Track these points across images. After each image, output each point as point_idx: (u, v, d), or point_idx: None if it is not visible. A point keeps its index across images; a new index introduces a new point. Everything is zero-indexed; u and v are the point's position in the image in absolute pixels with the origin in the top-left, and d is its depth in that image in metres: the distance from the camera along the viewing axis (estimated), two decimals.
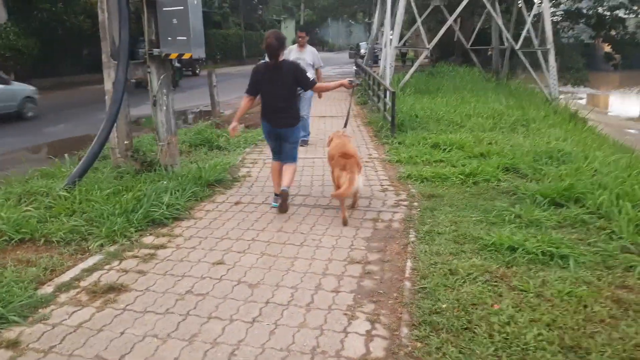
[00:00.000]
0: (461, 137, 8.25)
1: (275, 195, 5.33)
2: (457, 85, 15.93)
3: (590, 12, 26.72)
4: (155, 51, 6.01)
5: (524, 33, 14.81)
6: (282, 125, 5.08)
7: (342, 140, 5.29)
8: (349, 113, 6.06)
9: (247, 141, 8.73)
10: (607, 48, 30.50)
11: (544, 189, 5.25)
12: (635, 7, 25.75)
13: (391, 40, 17.34)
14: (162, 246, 4.27)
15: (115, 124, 5.97)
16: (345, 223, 4.74)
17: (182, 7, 5.86)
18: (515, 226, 4.43)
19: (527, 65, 14.92)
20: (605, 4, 26.03)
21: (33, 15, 22.14)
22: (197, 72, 31.11)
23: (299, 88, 5.20)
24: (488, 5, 14.68)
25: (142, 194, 5.05)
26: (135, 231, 4.48)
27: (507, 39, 17.21)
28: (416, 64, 14.64)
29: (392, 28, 17.20)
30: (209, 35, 40.08)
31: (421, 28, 14.56)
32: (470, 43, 18.18)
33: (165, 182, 5.55)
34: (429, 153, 7.46)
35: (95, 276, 3.70)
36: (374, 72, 19.02)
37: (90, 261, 3.95)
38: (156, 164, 6.24)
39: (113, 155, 6.40)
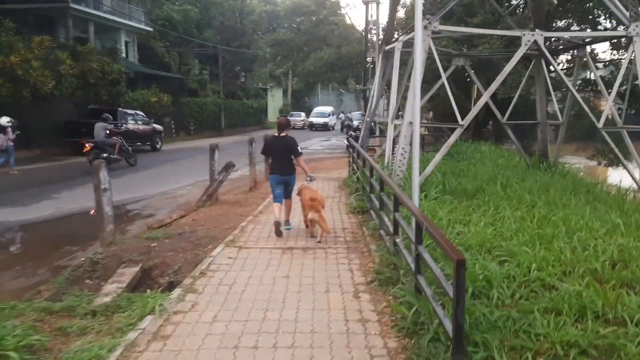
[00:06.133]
0: None
1: (276, 220, 7.40)
2: (504, 181, 10.44)
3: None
4: None
5: (608, 104, 9.56)
6: (286, 174, 7.61)
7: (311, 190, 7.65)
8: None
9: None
10: None
11: None
12: None
13: (398, 113, 12.14)
14: None
15: None
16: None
17: None
18: None
19: (616, 151, 9.56)
20: None
21: None
22: (158, 146, 25.67)
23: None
24: (551, 59, 9.51)
25: None
26: None
27: (559, 111, 12.16)
28: (446, 146, 9.14)
29: (397, 99, 12.08)
30: (182, 103, 35.24)
31: (450, 95, 9.37)
32: (506, 116, 13.01)
33: None
34: None
35: None
36: (372, 154, 13.81)
37: None
38: None
39: None
